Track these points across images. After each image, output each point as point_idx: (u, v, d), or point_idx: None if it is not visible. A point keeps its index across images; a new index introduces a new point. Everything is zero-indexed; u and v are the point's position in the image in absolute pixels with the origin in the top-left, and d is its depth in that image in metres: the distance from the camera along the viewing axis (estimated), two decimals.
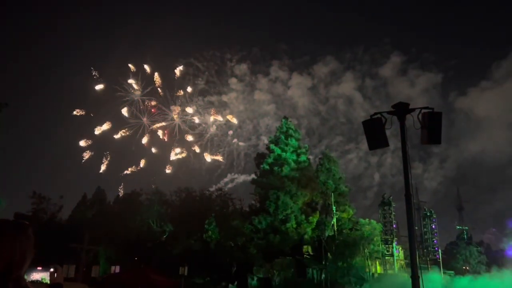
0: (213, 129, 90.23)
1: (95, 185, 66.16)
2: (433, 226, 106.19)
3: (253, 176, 60.29)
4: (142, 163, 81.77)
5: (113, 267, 45.45)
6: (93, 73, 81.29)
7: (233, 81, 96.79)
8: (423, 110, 10.02)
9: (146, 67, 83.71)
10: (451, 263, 79.64)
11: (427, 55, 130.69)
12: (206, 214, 49.34)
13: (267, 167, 56.53)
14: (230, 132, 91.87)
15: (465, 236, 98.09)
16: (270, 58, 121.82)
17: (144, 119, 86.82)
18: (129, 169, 79.23)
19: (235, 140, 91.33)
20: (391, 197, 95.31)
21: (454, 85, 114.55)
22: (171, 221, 50.00)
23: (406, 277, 51.11)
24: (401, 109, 10.24)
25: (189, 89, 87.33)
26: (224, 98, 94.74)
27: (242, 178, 75.97)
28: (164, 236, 49.49)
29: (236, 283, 44.71)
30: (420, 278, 9.35)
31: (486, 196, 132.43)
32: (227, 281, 44.28)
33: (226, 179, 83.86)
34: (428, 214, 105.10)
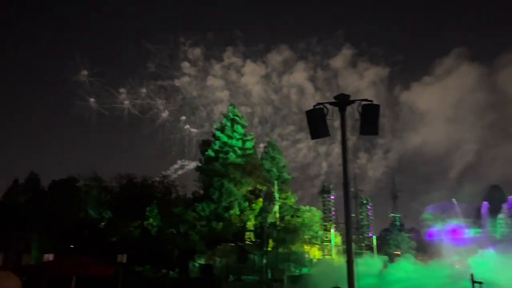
0: (165, 115, 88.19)
1: (27, 170, 62.49)
2: (369, 214, 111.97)
3: (197, 163, 59.91)
4: None
5: (46, 255, 43.29)
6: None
7: (185, 65, 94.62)
8: (362, 102, 10.40)
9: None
10: (384, 248, 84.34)
11: (376, 49, 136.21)
12: (147, 201, 48.31)
13: (212, 154, 56.26)
14: (183, 118, 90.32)
15: (397, 223, 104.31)
16: (225, 44, 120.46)
17: (91, 100, 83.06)
18: None
19: (187, 126, 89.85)
20: (331, 186, 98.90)
21: (399, 79, 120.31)
22: (111, 208, 48.43)
23: (342, 261, 53.56)
24: (342, 101, 10.56)
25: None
26: (177, 82, 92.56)
27: (192, 165, 74.73)
28: (103, 223, 47.88)
29: (177, 270, 44.39)
30: (354, 262, 9.81)
31: (423, 185, 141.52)
32: (168, 268, 43.81)
33: (176, 166, 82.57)
34: (364, 202, 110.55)
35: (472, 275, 21.22)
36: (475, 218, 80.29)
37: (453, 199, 74.11)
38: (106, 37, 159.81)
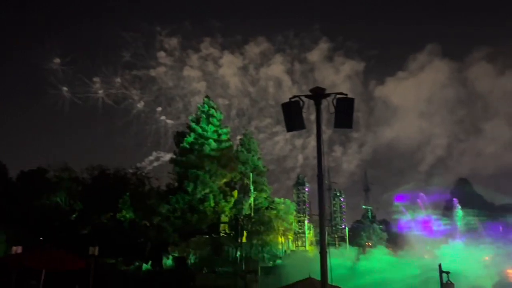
0: (140, 105, 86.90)
1: None
2: (342, 206, 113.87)
3: (172, 155, 59.27)
4: None
5: (14, 248, 42.10)
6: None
7: (161, 55, 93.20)
8: (337, 96, 10.49)
9: None
10: (356, 239, 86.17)
11: (352, 44, 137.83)
12: (120, 193, 47.58)
13: (187, 146, 55.81)
14: (159, 109, 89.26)
15: (369, 215, 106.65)
16: (202, 34, 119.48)
17: (64, 89, 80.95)
18: None
19: (163, 118, 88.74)
20: (305, 178, 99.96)
21: (374, 74, 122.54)
22: (82, 199, 47.45)
23: (315, 252, 54.48)
24: (318, 94, 10.62)
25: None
26: (152, 72, 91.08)
27: (168, 156, 73.92)
28: (74, 215, 46.92)
29: (150, 262, 44.05)
30: (328, 253, 9.95)
31: (396, 178, 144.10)
32: (140, 261, 43.43)
33: (151, 157, 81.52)
34: (338, 194, 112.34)
35: (440, 265, 21.92)
36: (444, 210, 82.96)
37: (421, 194, 76.26)
38: (78, 24, 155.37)
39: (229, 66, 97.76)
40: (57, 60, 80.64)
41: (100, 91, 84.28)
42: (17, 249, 41.67)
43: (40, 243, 42.55)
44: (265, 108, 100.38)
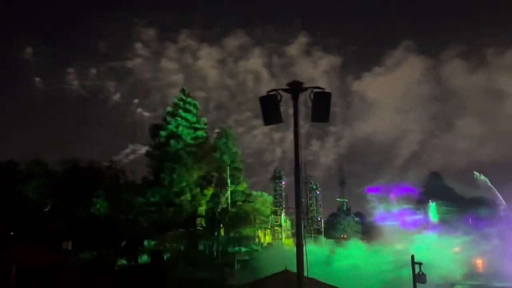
0: (116, 97, 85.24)
1: None
2: (319, 199, 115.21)
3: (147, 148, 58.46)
4: None
5: None
6: None
7: (138, 46, 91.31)
8: (314, 90, 10.52)
9: None
10: (331, 232, 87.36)
11: (330, 39, 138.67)
12: (95, 186, 46.76)
13: (163, 138, 55.19)
14: (135, 101, 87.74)
15: (345, 208, 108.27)
16: (180, 26, 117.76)
17: (37, 80, 78.55)
18: None
19: (140, 110, 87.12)
20: (281, 172, 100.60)
21: (351, 69, 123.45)
22: (55, 193, 46.40)
23: (291, 245, 55.03)
24: (295, 88, 10.63)
25: None
26: (129, 64, 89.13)
27: (144, 149, 72.56)
28: (46, 209, 45.86)
29: (125, 256, 43.60)
30: (304, 246, 10.03)
31: (372, 173, 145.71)
32: (115, 255, 42.91)
33: (127, 150, 79.89)
34: (314, 187, 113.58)
35: (412, 256, 22.44)
36: (417, 203, 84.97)
37: (394, 187, 77.80)
38: (52, 13, 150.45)
39: (207, 59, 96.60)
40: (29, 50, 78.12)
41: (75, 82, 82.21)
42: None
43: (10, 237, 41.50)
44: (243, 101, 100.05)
